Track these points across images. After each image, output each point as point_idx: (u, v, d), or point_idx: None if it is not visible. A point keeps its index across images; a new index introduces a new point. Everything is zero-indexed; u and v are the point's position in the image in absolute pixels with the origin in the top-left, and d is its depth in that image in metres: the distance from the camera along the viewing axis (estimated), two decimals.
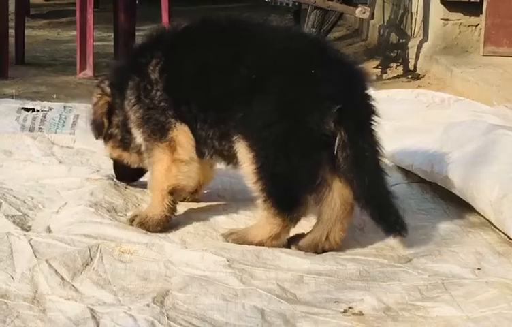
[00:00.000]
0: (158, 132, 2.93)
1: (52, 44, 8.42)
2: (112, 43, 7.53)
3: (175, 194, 2.96)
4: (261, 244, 2.80)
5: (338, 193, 2.81)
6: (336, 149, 2.72)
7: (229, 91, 2.82)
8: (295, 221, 2.81)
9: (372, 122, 2.81)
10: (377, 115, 2.83)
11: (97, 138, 3.21)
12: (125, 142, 3.12)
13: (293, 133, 2.73)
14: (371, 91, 2.86)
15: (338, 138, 2.71)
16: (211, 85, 2.87)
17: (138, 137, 3.01)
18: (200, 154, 2.96)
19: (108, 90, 3.11)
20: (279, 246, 2.82)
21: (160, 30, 3.13)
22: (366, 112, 2.81)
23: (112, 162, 3.30)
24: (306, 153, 2.74)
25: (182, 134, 2.92)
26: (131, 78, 3.00)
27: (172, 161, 2.92)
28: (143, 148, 3.03)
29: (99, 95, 3.13)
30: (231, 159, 2.91)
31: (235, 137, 2.81)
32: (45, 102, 4.70)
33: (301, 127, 2.73)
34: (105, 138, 3.17)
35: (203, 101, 2.88)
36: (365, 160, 2.74)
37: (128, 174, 3.27)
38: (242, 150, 2.79)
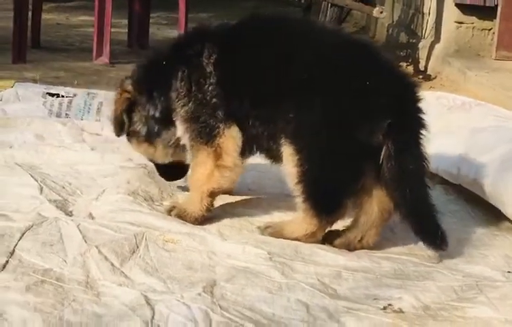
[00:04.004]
0: (206, 136, 2.93)
1: (63, 29, 8.44)
2: (123, 30, 7.56)
3: (214, 195, 3.01)
4: (296, 240, 2.86)
5: (377, 201, 2.86)
6: (381, 159, 2.75)
7: (281, 90, 2.84)
8: (331, 223, 2.87)
9: (421, 136, 2.84)
10: (426, 129, 2.85)
11: (117, 135, 3.18)
12: (153, 137, 3.09)
13: (340, 143, 2.77)
14: (422, 104, 2.88)
15: (384, 149, 2.75)
16: (264, 82, 2.88)
17: (181, 131, 3.00)
18: (249, 151, 2.99)
19: (130, 87, 3.08)
20: (313, 243, 2.88)
21: (206, 26, 3.13)
22: (416, 125, 2.84)
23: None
24: (351, 162, 2.78)
25: (229, 140, 2.93)
26: (180, 68, 2.97)
27: (216, 167, 2.94)
28: (184, 142, 3.03)
29: (118, 94, 3.12)
30: (276, 156, 2.93)
31: (282, 140, 2.83)
32: (68, 88, 4.75)
33: (350, 138, 2.76)
34: (130, 135, 3.16)
35: (256, 98, 2.89)
36: (410, 172, 2.77)
37: (172, 172, 3.23)
38: (287, 152, 2.83)
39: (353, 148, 2.77)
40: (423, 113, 2.87)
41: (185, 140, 3.02)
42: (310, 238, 2.88)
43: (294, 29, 3.00)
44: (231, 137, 2.93)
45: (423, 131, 2.85)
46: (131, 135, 3.16)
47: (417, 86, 2.95)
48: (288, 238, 2.87)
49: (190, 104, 2.95)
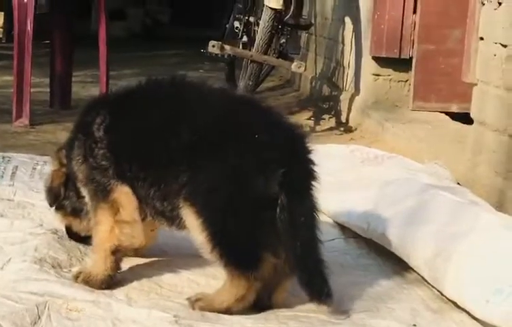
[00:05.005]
0: (101, 193, 2.99)
1: None
2: (46, 90, 7.49)
3: (118, 254, 3.01)
4: (228, 309, 2.82)
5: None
6: (277, 212, 2.78)
7: (170, 152, 2.88)
8: (259, 278, 2.83)
9: (312, 188, 2.88)
10: (317, 181, 2.89)
11: (51, 206, 3.26)
12: (76, 211, 3.20)
13: (239, 198, 2.79)
14: (313, 155, 2.93)
15: (279, 201, 2.78)
16: (150, 145, 2.94)
17: (86, 197, 3.07)
18: (142, 214, 3.01)
19: (65, 161, 3.17)
20: (245, 309, 2.84)
21: (108, 93, 3.22)
22: (307, 176, 2.88)
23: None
24: (254, 216, 2.80)
25: (122, 195, 2.98)
26: (77, 137, 3.08)
27: (115, 222, 2.98)
28: (88, 207, 3.08)
29: (57, 166, 3.21)
30: (173, 220, 2.96)
31: (181, 204, 2.85)
32: None
33: (248, 191, 2.79)
34: (57, 208, 3.25)
35: (142, 161, 2.95)
36: (300, 225, 2.80)
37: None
38: (190, 217, 2.84)
39: (253, 202, 2.79)
40: (314, 164, 2.91)
41: (88, 203, 3.07)
42: (241, 303, 2.84)
43: (183, 93, 3.05)
44: (124, 193, 2.97)
45: (314, 182, 2.89)
46: (58, 208, 3.24)
47: (306, 136, 3.01)
48: (219, 310, 2.83)
49: (85, 169, 3.02)
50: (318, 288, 2.82)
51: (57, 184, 3.19)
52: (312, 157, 2.93)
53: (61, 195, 3.19)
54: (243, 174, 2.80)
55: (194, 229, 2.84)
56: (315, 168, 2.90)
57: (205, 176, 2.81)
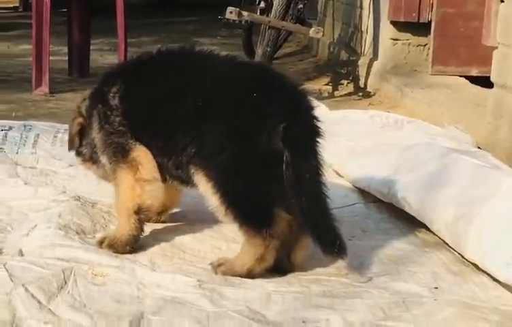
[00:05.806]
0: (120, 153, 3.04)
1: (3, 58, 8.36)
2: (64, 58, 7.53)
3: (140, 213, 3.05)
4: (249, 272, 2.84)
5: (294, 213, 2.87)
6: (284, 168, 2.80)
7: (175, 119, 2.94)
8: (274, 236, 2.83)
9: (316, 144, 2.88)
10: (322, 136, 2.89)
11: (69, 151, 3.35)
12: (94, 159, 3.25)
13: (244, 156, 2.81)
14: (316, 112, 2.92)
15: (284, 158, 2.79)
16: (160, 114, 2.99)
17: (104, 160, 3.13)
18: (162, 178, 3.07)
19: (84, 112, 3.23)
20: (267, 270, 2.86)
21: (122, 63, 3.26)
22: (310, 132, 2.88)
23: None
24: (261, 173, 2.81)
25: (141, 153, 3.03)
26: (95, 105, 3.13)
27: (135, 181, 3.02)
28: (108, 170, 3.14)
29: (75, 115, 3.28)
30: (188, 182, 3.02)
31: (192, 170, 2.91)
32: (4, 121, 4.72)
33: (252, 149, 2.81)
34: (76, 153, 3.32)
35: (154, 129, 3.01)
36: (306, 180, 2.81)
37: None
38: (202, 182, 2.89)
39: (258, 159, 2.81)
40: (318, 120, 2.91)
41: (107, 167, 3.12)
42: (262, 263, 2.85)
43: (191, 61, 3.09)
44: (143, 151, 3.03)
45: (318, 138, 2.89)
46: (77, 154, 3.31)
47: (309, 94, 3.01)
48: (241, 273, 2.85)
49: (103, 136, 3.08)
50: (329, 242, 2.81)
51: (73, 132, 3.26)
52: (315, 113, 2.92)
53: (76, 144, 3.25)
54: (246, 133, 2.82)
55: (207, 193, 2.89)
56: (319, 124, 2.90)
57: (211, 139, 2.85)
